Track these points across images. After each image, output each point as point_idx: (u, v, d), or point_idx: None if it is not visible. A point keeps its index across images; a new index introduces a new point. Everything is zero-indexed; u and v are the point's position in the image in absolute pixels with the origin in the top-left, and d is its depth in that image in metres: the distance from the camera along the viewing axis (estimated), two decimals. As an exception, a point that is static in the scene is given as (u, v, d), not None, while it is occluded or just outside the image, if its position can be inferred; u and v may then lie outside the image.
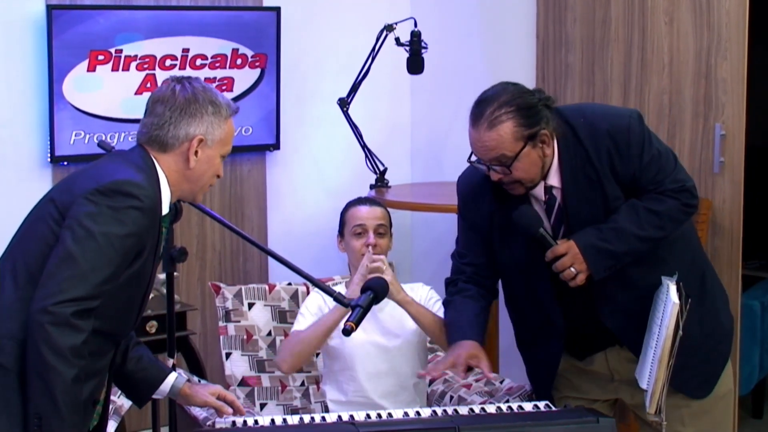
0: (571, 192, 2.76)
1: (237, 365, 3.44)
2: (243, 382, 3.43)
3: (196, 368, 3.98)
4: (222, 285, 3.55)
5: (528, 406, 2.75)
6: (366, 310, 2.67)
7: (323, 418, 2.66)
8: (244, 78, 4.56)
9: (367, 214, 3.29)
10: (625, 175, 2.74)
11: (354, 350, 3.22)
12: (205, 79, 3.84)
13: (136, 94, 4.29)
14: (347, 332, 2.65)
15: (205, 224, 4.57)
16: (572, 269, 2.71)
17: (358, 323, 2.65)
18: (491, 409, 2.72)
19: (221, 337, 3.47)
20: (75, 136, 4.22)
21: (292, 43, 4.67)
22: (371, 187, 4.58)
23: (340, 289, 3.28)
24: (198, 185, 2.50)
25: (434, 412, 2.75)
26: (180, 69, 4.36)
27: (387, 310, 3.24)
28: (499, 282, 3.03)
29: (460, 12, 4.85)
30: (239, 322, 3.49)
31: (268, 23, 4.57)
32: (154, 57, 4.32)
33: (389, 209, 3.40)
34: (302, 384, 3.51)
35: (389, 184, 4.62)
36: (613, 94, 4.08)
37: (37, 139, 4.21)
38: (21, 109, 4.17)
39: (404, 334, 3.25)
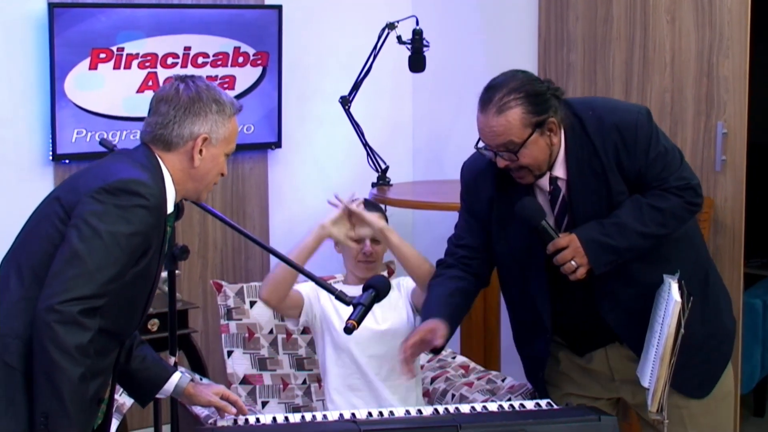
0: (576, 184, 2.76)
1: (238, 363, 3.44)
2: (245, 380, 3.43)
3: (198, 366, 3.99)
4: (223, 283, 3.54)
5: (530, 404, 2.74)
6: (368, 308, 2.67)
7: (325, 416, 2.66)
8: (246, 76, 4.56)
9: None
10: (631, 170, 2.73)
11: (349, 339, 3.17)
12: (207, 77, 3.83)
13: (137, 92, 4.29)
14: (349, 331, 2.64)
15: (207, 222, 4.57)
16: (573, 263, 2.71)
17: (359, 321, 2.64)
18: (493, 407, 2.72)
19: (223, 335, 3.47)
20: (77, 134, 4.22)
21: (293, 41, 4.67)
22: (373, 185, 4.58)
23: (342, 287, 3.27)
24: (203, 184, 2.51)
25: (436, 410, 2.75)
26: (182, 67, 4.37)
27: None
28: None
29: (462, 10, 4.85)
30: (241, 320, 3.49)
31: (270, 21, 4.57)
32: (156, 55, 4.32)
33: (391, 207, 3.39)
34: (304, 382, 3.51)
35: (391, 183, 4.61)
36: (615, 92, 4.08)
37: (38, 137, 4.20)
38: (22, 107, 4.17)
39: (393, 317, 3.21)
